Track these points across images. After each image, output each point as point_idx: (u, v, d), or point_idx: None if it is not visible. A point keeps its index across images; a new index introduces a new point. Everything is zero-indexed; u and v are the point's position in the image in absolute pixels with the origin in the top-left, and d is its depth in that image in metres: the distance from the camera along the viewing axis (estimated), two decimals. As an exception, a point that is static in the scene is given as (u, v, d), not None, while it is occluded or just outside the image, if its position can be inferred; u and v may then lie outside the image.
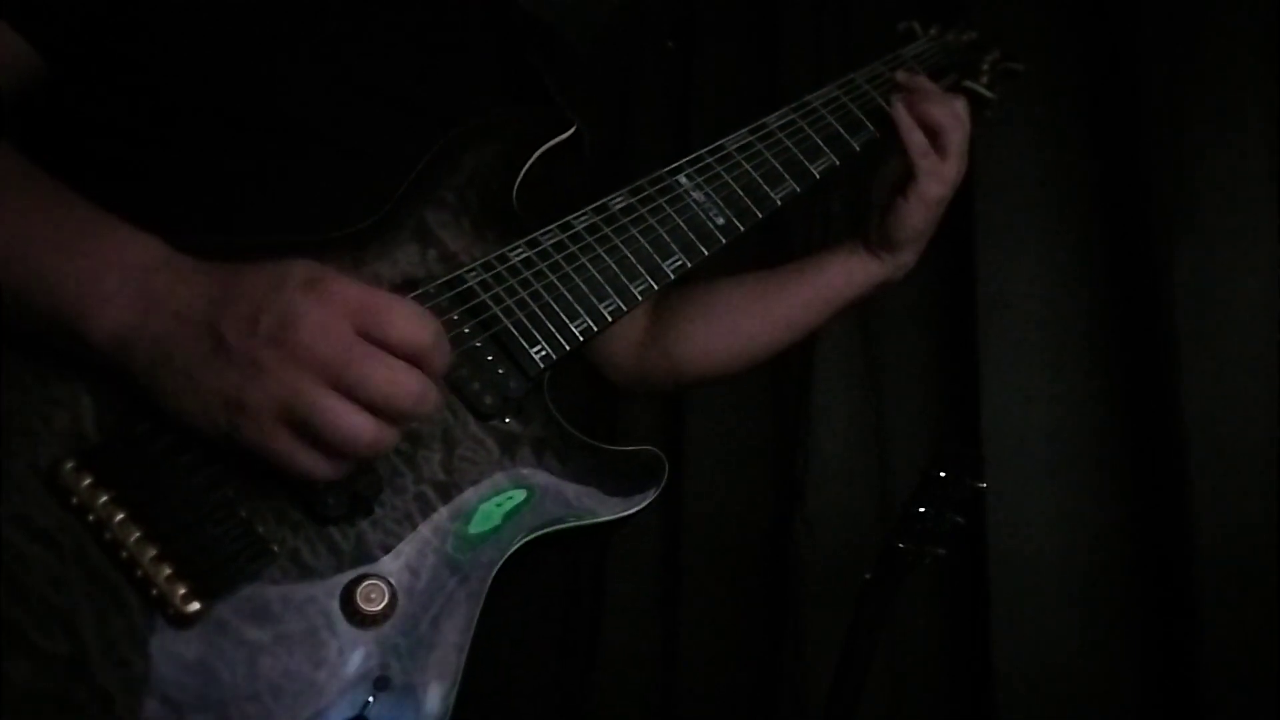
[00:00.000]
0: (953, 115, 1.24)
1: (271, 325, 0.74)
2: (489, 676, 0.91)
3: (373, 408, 0.76)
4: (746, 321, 1.34)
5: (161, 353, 0.77)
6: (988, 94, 1.43)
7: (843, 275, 1.31)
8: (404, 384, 0.76)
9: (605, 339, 1.02)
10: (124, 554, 0.77)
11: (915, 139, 1.24)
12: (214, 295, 0.77)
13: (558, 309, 0.98)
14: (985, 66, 1.44)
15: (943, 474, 1.79)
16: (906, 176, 1.25)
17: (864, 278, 1.31)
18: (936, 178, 1.24)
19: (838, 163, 1.22)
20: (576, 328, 0.98)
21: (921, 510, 1.78)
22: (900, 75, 1.30)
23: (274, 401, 0.74)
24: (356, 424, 0.75)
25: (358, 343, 0.76)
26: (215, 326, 0.76)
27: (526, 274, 0.98)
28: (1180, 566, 1.97)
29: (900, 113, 1.25)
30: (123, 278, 0.78)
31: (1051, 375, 2.21)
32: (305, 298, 0.75)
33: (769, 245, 2.21)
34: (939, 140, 1.24)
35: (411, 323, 0.78)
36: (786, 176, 1.18)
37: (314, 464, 0.77)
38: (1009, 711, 2.06)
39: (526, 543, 0.90)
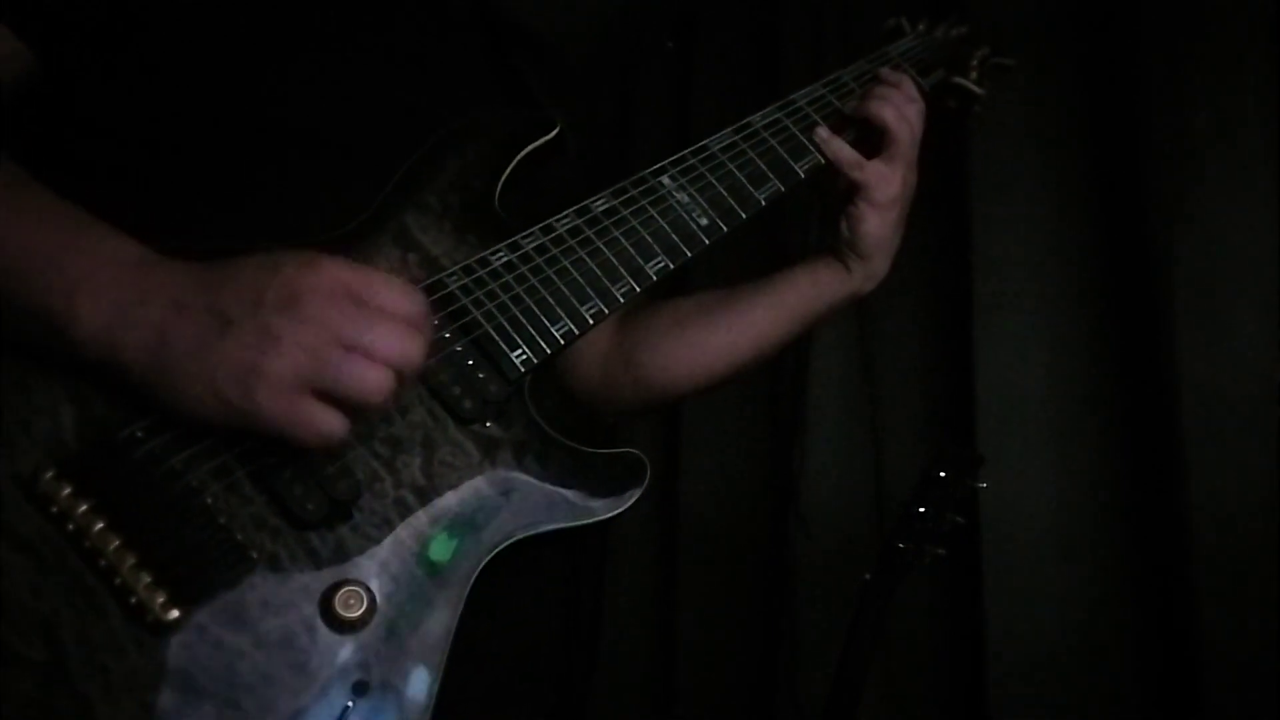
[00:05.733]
0: (899, 118, 1.21)
1: (278, 297, 0.78)
2: (484, 677, 0.92)
3: (381, 360, 0.80)
4: (714, 336, 1.28)
5: (160, 339, 0.78)
6: (976, 89, 1.41)
7: (811, 285, 1.26)
8: (409, 340, 0.81)
9: (571, 348, 1.01)
10: (103, 562, 0.78)
11: (843, 155, 1.21)
12: (209, 281, 0.79)
13: (539, 312, 0.98)
14: (975, 62, 1.42)
15: (942, 474, 1.80)
16: (850, 185, 1.21)
17: (834, 287, 1.26)
18: (882, 182, 1.20)
19: (823, 161, 1.20)
20: (558, 331, 0.98)
21: (921, 510, 1.78)
22: (882, 72, 1.28)
23: (294, 365, 0.77)
24: (373, 375, 0.79)
25: (362, 307, 0.79)
26: (218, 307, 0.78)
27: (508, 277, 0.98)
28: (1178, 560, 1.97)
29: (821, 135, 1.21)
30: (113, 273, 0.80)
31: (1047, 372, 2.21)
32: (303, 271, 0.79)
33: (763, 244, 2.22)
34: (884, 143, 1.21)
35: (401, 293, 0.82)
36: (771, 176, 1.16)
37: (334, 421, 0.79)
38: (1003, 709, 2.06)
39: (510, 545, 0.90)
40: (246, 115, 0.98)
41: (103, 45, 0.95)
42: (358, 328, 0.78)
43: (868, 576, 1.81)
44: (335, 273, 0.80)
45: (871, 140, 1.23)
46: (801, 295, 1.27)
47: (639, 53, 2.83)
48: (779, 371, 2.50)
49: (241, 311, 0.78)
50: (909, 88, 1.25)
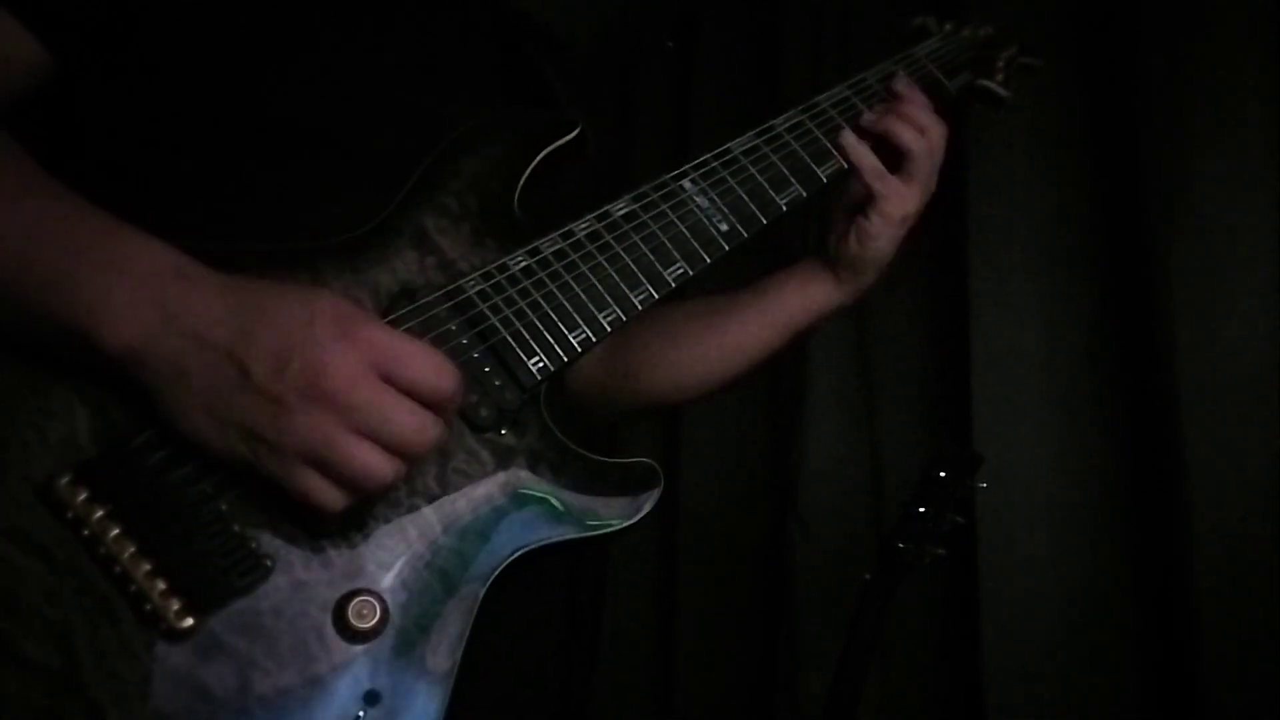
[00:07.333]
0: (920, 141, 1.19)
1: (301, 370, 0.77)
2: (490, 686, 0.91)
3: (393, 449, 0.79)
4: (705, 348, 1.28)
5: (178, 372, 0.77)
6: (1002, 92, 1.38)
7: (799, 298, 1.25)
8: (426, 430, 0.80)
9: None
10: (118, 569, 0.78)
11: (867, 162, 1.18)
12: (238, 323, 0.78)
13: (556, 319, 0.96)
14: (1001, 63, 1.39)
15: (942, 474, 1.79)
16: (867, 195, 1.19)
17: (821, 300, 1.25)
18: (899, 198, 1.18)
19: (846, 165, 1.18)
20: (575, 338, 0.97)
21: (922, 510, 1.78)
22: (897, 83, 1.24)
23: (299, 441, 0.76)
24: (378, 465, 0.78)
25: (383, 390, 0.78)
26: (241, 359, 0.77)
27: (526, 283, 0.96)
28: (1177, 559, 1.96)
29: (848, 139, 1.19)
30: (135, 286, 0.78)
31: (1044, 376, 2.20)
32: (334, 342, 0.78)
33: (764, 247, 2.21)
34: (904, 163, 1.19)
35: (434, 372, 0.81)
36: (793, 181, 1.14)
37: (331, 497, 0.79)
38: (1002, 709, 2.06)
39: (521, 555, 0.90)
40: (247, 115, 0.97)
41: (103, 44, 0.93)
42: (374, 415, 0.78)
43: (868, 576, 1.81)
44: (368, 342, 0.79)
45: (890, 155, 1.21)
46: (789, 309, 1.26)
47: (639, 53, 2.82)
48: (778, 372, 2.50)
49: (262, 370, 0.77)
50: (928, 113, 1.22)
